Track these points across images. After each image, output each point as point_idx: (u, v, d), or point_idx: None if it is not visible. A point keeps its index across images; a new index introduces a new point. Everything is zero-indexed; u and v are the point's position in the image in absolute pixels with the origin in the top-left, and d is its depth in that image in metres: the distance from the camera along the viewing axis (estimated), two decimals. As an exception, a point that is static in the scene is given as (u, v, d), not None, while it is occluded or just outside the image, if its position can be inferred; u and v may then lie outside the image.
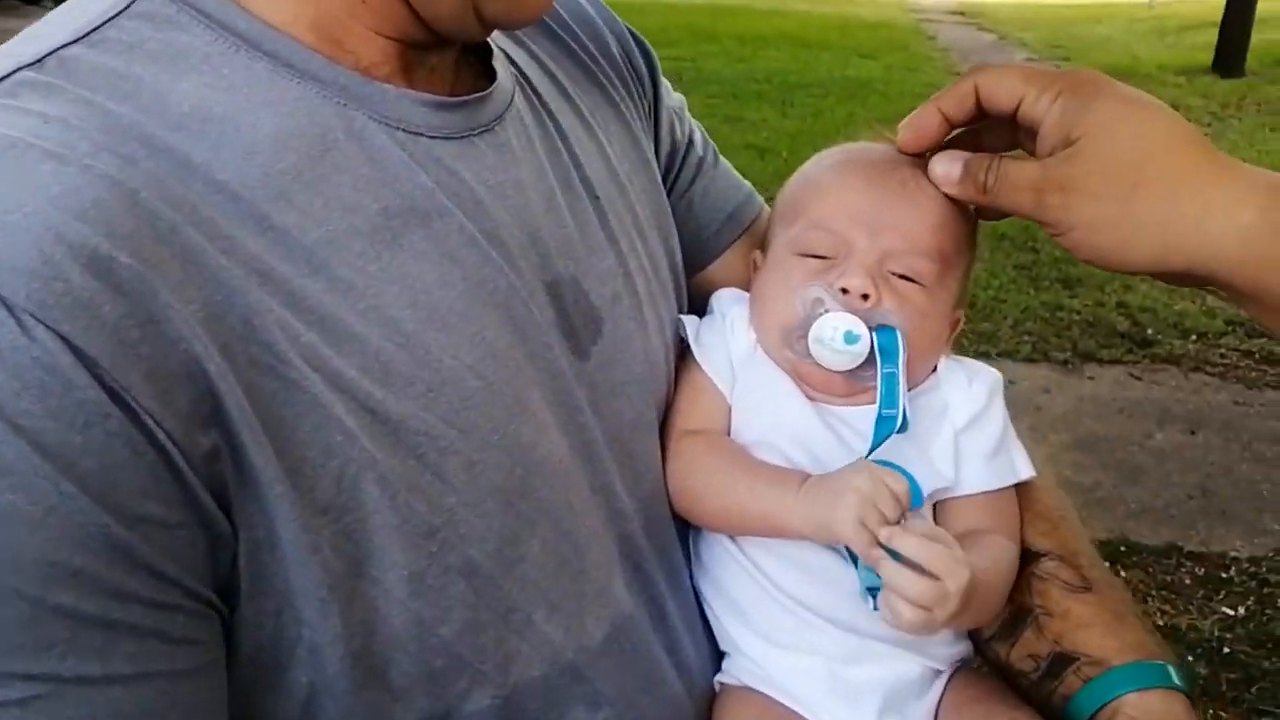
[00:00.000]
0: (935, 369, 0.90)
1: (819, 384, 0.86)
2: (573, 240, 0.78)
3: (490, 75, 0.79)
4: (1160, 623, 2.55)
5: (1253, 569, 2.77)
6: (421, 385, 0.64)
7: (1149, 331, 4.20)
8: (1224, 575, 2.75)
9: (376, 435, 0.62)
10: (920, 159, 0.84)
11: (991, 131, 0.82)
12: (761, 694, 0.84)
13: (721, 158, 1.07)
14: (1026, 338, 4.13)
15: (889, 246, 0.84)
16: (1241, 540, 2.91)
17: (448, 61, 0.75)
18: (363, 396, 0.61)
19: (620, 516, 0.79)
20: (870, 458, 0.81)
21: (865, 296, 0.83)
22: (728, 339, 0.91)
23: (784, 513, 0.80)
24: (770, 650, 0.84)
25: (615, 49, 0.95)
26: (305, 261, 0.61)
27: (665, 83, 1.01)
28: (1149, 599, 2.65)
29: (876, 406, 0.81)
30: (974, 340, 4.04)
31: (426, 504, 0.63)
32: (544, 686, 0.71)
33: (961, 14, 14.68)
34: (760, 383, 0.89)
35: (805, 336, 0.83)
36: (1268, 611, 2.60)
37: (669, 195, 0.97)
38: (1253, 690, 2.34)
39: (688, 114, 1.04)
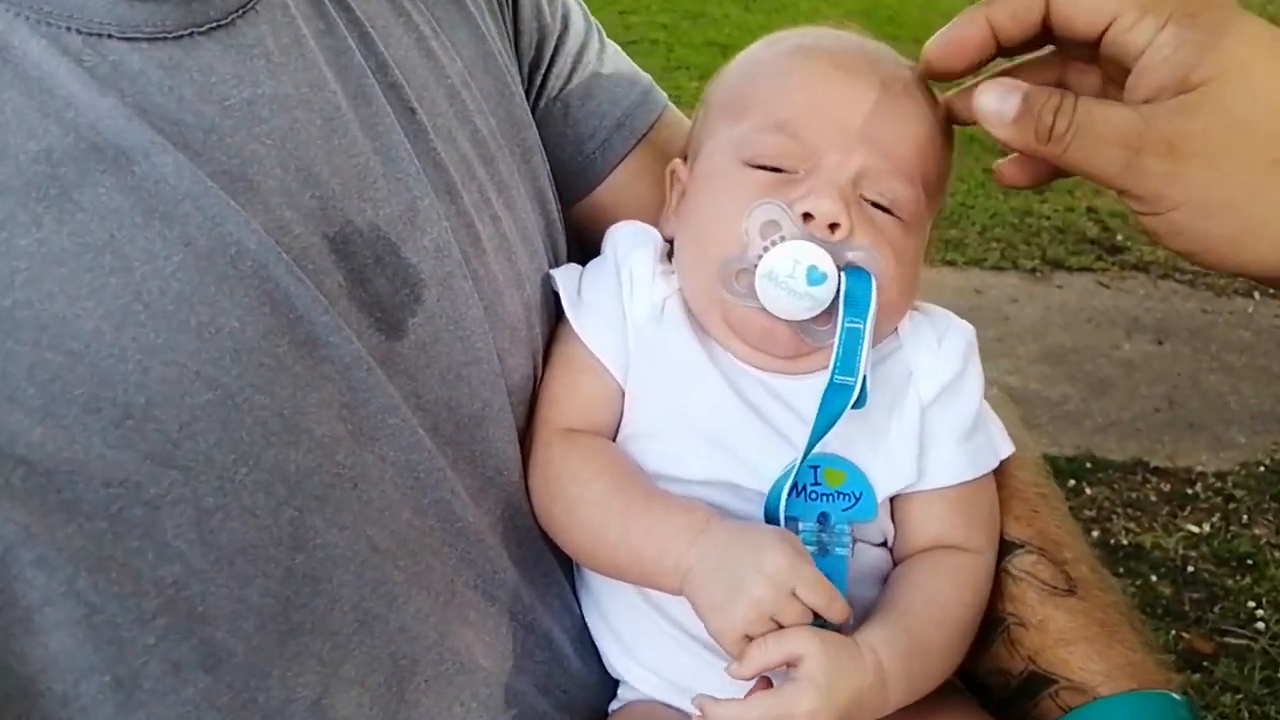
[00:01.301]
0: (896, 328, 0.72)
1: (757, 339, 0.67)
2: (370, 173, 0.57)
3: None
4: (1125, 541, 2.51)
5: (1218, 484, 2.73)
6: (112, 411, 0.45)
7: (1118, 238, 4.09)
8: (1189, 491, 2.70)
9: (33, 495, 0.42)
10: (926, 78, 0.65)
11: (1032, 69, 0.62)
12: (662, 703, 0.69)
13: (611, 44, 0.82)
14: (994, 245, 4.02)
15: (866, 164, 0.65)
16: (1208, 454, 2.86)
17: None
18: (5, 440, 0.42)
19: (464, 537, 0.61)
20: (814, 448, 0.63)
21: (834, 227, 0.63)
22: (623, 298, 0.69)
23: (662, 575, 0.63)
24: (668, 687, 0.68)
25: None
26: None
27: None
28: (1114, 516, 2.61)
29: (830, 369, 0.63)
30: (941, 248, 3.92)
31: (131, 581, 0.45)
32: None
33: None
34: (665, 355, 0.68)
35: (752, 271, 0.63)
36: (1232, 528, 2.56)
37: (536, 98, 0.76)
38: (1216, 609, 2.31)
39: None
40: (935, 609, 0.66)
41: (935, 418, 0.70)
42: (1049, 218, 4.24)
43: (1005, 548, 0.73)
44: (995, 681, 0.71)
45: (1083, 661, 0.68)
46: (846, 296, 0.63)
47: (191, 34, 0.51)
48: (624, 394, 0.69)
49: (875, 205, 0.66)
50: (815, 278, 0.62)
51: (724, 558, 0.61)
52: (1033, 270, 3.85)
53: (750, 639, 0.59)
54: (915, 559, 0.70)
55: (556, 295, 0.71)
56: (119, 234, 0.46)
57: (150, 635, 0.46)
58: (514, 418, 0.66)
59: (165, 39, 0.50)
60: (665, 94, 0.82)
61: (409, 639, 0.56)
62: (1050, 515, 0.74)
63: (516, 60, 0.74)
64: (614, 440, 0.70)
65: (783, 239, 0.63)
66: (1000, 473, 0.74)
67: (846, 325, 0.63)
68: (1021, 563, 0.71)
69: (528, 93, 0.75)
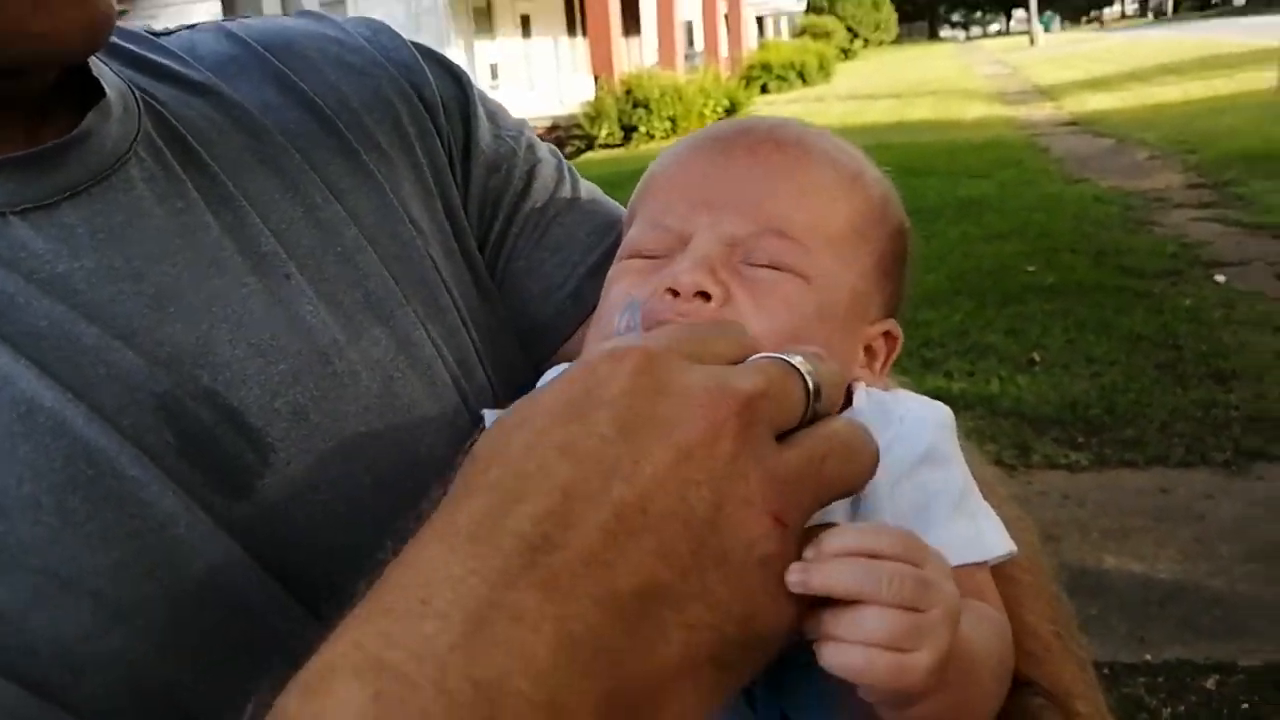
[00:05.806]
0: (850, 399, 0.65)
1: None
2: (212, 341, 0.59)
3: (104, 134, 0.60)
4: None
5: None
6: None
7: (1323, 421, 3.73)
8: None
9: None
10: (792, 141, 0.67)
11: None
12: None
13: (589, 189, 0.82)
14: (1178, 440, 3.73)
15: (734, 231, 0.63)
16: None
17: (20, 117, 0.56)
18: None
19: None
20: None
21: (705, 296, 0.60)
22: None
23: None
24: None
25: (389, 88, 0.75)
26: None
27: (493, 113, 0.80)
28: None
29: None
30: (1118, 448, 3.67)
31: None
32: None
33: (1075, 124, 14.35)
34: None
35: None
36: None
37: (495, 257, 0.77)
38: None
39: (529, 150, 0.81)
40: (970, 622, 0.53)
41: (902, 498, 0.61)
42: (1237, 408, 3.93)
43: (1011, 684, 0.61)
44: None
45: None
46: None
47: (4, 214, 0.55)
48: None
49: (767, 266, 0.63)
50: None
51: None
52: (1226, 463, 3.53)
53: None
54: None
55: None
56: None
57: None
58: None
59: None
60: None
61: None
62: (1065, 660, 0.64)
63: (467, 226, 0.76)
64: None
65: None
66: (1009, 602, 0.63)
67: None
68: (1028, 704, 0.61)
69: (483, 249, 0.77)
